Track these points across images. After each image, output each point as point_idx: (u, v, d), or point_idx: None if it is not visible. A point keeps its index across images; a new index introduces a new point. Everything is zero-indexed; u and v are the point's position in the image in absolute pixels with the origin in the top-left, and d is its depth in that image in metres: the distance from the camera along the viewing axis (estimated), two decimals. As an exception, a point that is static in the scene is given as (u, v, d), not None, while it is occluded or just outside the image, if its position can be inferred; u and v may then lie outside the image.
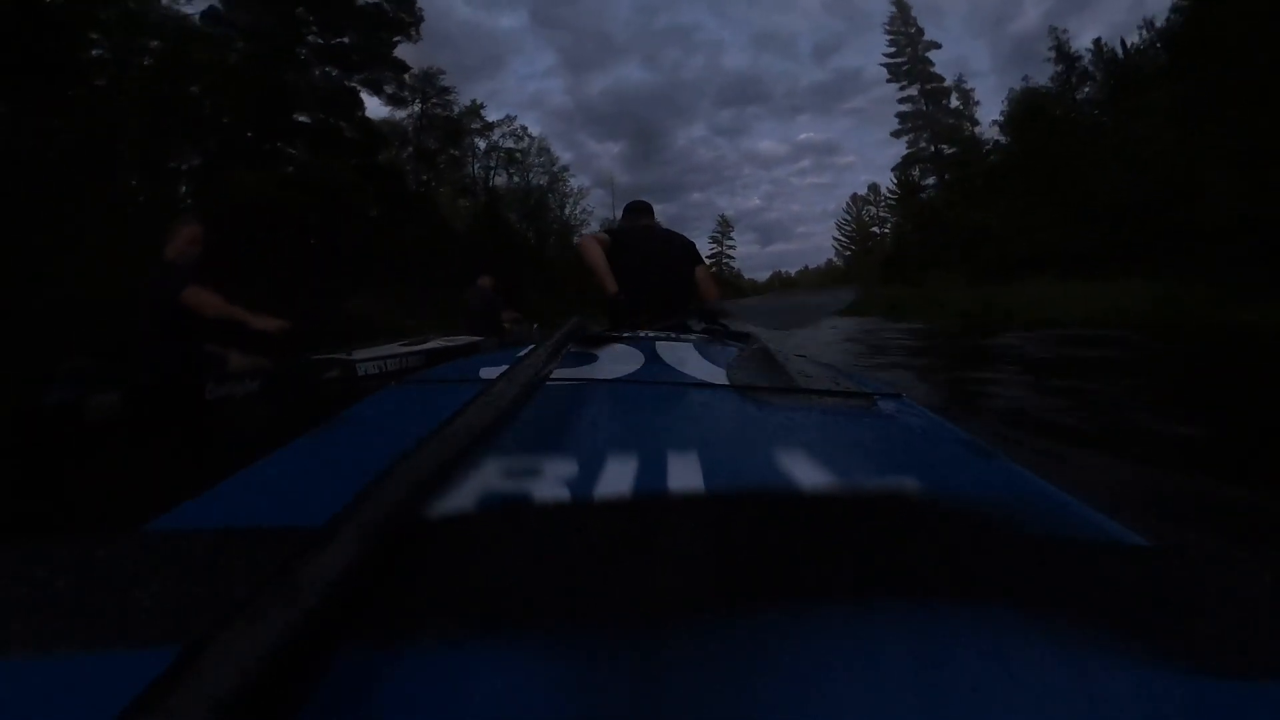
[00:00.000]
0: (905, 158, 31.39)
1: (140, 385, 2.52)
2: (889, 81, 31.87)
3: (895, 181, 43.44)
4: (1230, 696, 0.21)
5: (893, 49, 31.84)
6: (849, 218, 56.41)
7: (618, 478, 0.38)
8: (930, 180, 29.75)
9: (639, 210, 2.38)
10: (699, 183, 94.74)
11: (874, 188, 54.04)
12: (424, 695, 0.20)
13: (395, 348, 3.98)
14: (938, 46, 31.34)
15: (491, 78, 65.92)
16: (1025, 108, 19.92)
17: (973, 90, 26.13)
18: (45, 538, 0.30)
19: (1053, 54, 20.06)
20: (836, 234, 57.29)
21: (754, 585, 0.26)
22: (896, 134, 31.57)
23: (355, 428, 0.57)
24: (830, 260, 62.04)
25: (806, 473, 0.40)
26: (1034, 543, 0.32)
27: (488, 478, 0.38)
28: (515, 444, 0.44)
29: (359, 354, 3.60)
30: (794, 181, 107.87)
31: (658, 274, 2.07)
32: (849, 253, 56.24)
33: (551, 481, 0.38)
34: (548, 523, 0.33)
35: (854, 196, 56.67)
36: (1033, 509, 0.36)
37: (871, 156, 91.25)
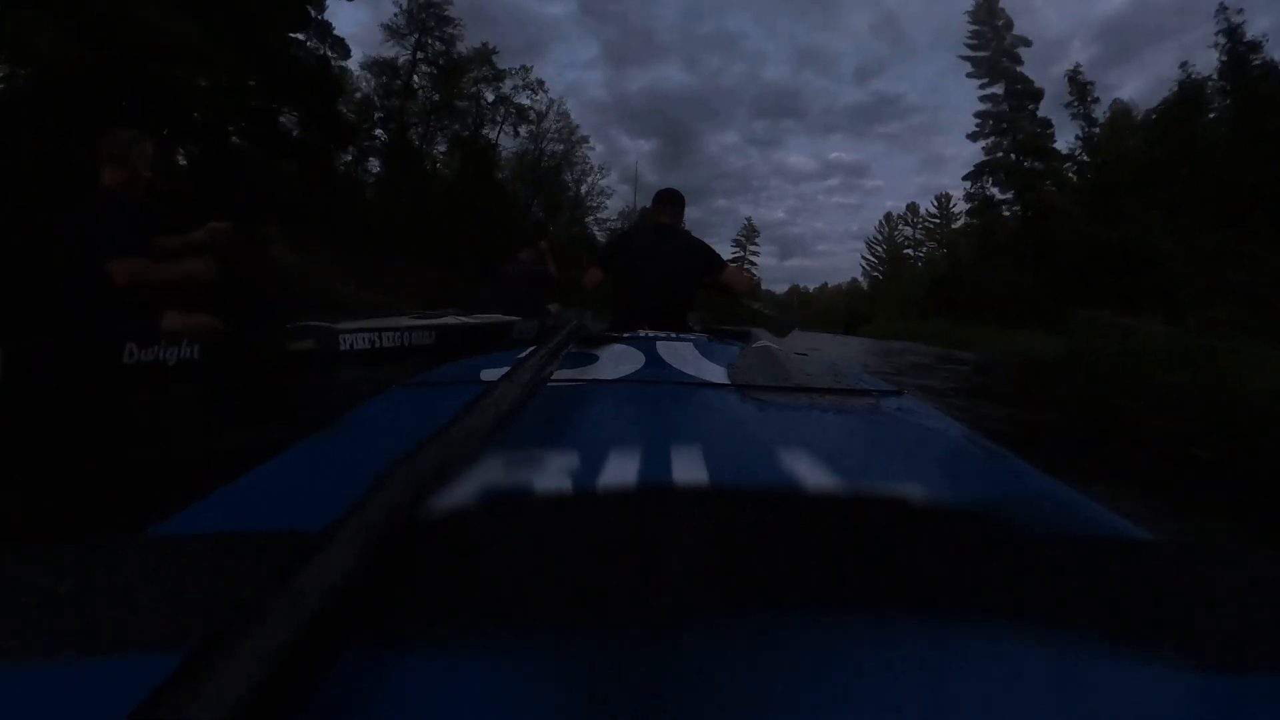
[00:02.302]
0: (979, 166, 27.05)
1: (41, 344, 1.90)
2: (969, 76, 27.58)
3: (935, 203, 40.28)
4: (1242, 691, 0.21)
5: (974, 41, 27.57)
6: (880, 237, 52.68)
7: (620, 478, 0.38)
8: (1009, 194, 25.42)
9: (661, 203, 2.26)
10: (725, 189, 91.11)
11: (912, 207, 50.22)
12: (427, 698, 0.20)
13: (401, 320, 3.28)
14: (1028, 44, 27.10)
15: (531, 63, 62.41)
16: (1186, 98, 15.52)
17: (1091, 84, 21.59)
18: (48, 543, 0.31)
19: (1219, 40, 15.69)
20: (865, 254, 53.54)
21: (759, 584, 0.26)
22: (973, 136, 27.23)
23: (356, 430, 0.56)
24: (855, 279, 58.53)
25: (811, 471, 0.39)
26: (1040, 539, 0.32)
27: (489, 479, 0.37)
28: (517, 445, 0.43)
29: (346, 323, 2.83)
30: (820, 199, 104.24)
31: (654, 282, 2.06)
32: (878, 274, 52.50)
33: (553, 482, 0.37)
34: (550, 524, 0.33)
35: (887, 215, 52.92)
36: (1039, 505, 0.36)
37: (900, 183, 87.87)
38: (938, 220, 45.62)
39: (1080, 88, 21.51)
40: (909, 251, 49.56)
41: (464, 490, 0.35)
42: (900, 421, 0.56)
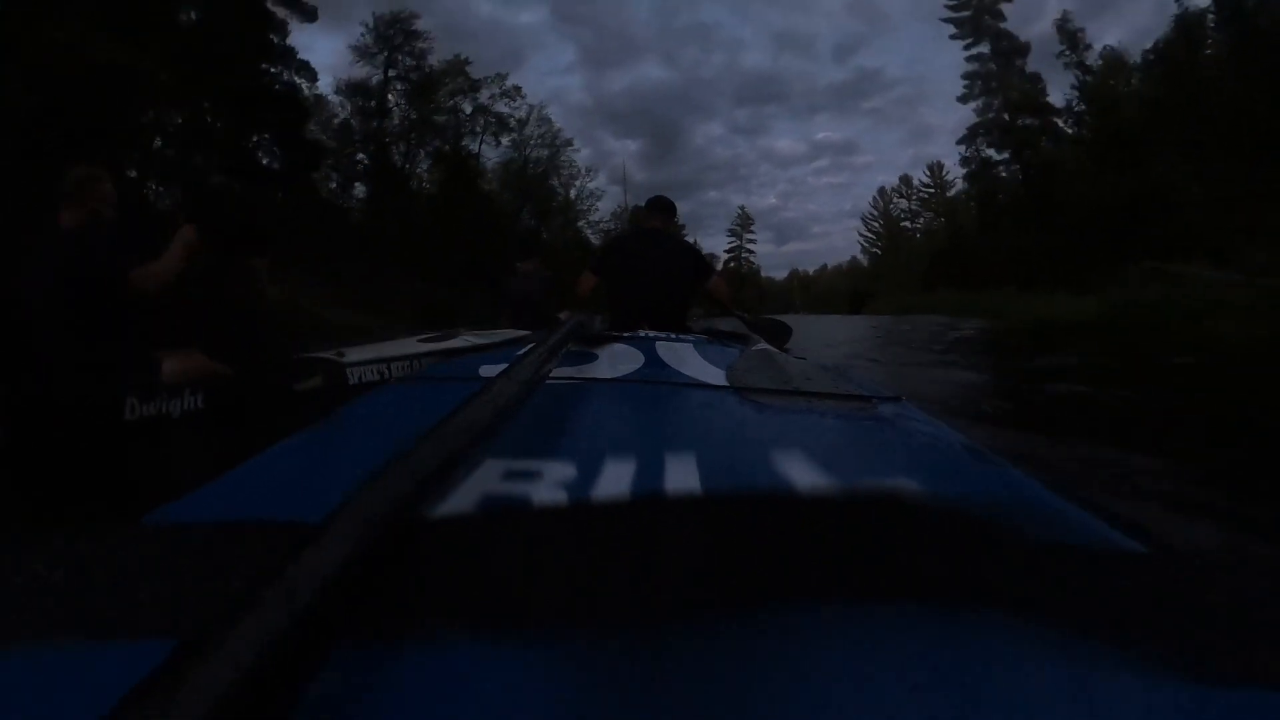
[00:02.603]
0: (971, 128, 26.49)
1: (25, 400, 1.67)
2: (952, 38, 27.05)
3: (928, 172, 39.50)
4: (1228, 703, 0.21)
5: (955, 1, 27.01)
6: (875, 213, 52.11)
7: (616, 478, 0.38)
8: (1005, 154, 24.83)
9: (651, 210, 2.36)
10: (715, 181, 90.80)
11: (905, 179, 49.55)
12: (420, 694, 0.20)
13: (410, 345, 3.09)
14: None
15: (511, 73, 62.36)
16: (1184, 32, 14.93)
17: (1081, 32, 20.95)
18: (44, 530, 0.30)
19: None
20: (863, 229, 52.97)
21: (752, 587, 0.27)
22: (963, 99, 26.69)
23: (353, 424, 0.56)
24: (854, 257, 57.96)
25: (805, 475, 0.40)
26: (1032, 548, 0.32)
27: (486, 477, 0.38)
28: (514, 443, 0.43)
29: (353, 354, 2.68)
30: (811, 181, 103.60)
31: (648, 284, 2.11)
32: (876, 250, 51.90)
33: (550, 481, 0.38)
34: (546, 522, 0.34)
35: (881, 190, 52.27)
36: (1031, 514, 0.36)
37: (890, 157, 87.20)
38: (932, 190, 45.05)
39: (1070, 36, 20.89)
40: (906, 224, 48.99)
41: (460, 487, 0.35)
42: (897, 427, 0.56)
